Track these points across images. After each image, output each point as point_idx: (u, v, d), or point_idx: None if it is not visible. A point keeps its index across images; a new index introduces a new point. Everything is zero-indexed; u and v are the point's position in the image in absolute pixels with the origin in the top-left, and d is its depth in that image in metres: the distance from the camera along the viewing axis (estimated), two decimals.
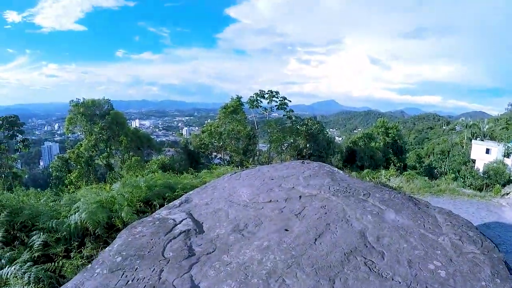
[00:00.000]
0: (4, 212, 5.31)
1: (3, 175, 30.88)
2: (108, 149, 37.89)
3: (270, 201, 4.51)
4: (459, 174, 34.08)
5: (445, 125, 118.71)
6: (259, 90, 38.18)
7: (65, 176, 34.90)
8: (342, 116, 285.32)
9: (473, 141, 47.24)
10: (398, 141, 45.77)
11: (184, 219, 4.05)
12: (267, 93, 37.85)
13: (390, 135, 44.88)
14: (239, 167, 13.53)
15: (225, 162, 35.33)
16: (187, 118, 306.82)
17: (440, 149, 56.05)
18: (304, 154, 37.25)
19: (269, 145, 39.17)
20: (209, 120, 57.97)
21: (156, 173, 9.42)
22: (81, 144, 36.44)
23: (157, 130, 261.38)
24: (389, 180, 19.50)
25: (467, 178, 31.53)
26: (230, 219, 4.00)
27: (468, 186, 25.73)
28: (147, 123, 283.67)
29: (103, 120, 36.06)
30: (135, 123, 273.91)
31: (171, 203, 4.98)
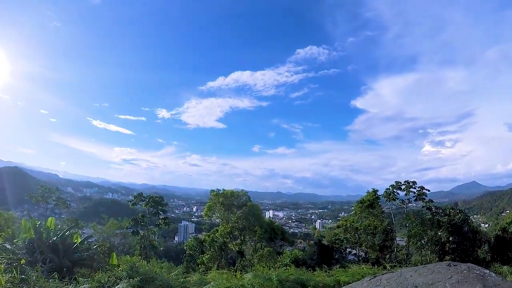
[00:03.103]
0: (138, 277, 5.92)
1: (142, 245, 35.20)
2: (242, 237, 39.16)
3: None
4: None
5: None
6: (395, 181, 36.80)
7: (198, 256, 37.22)
8: (486, 198, 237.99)
9: None
10: None
11: None
12: (403, 184, 36.16)
13: None
14: (375, 266, 12.33)
15: (360, 258, 33.41)
16: (320, 210, 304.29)
17: None
18: (447, 249, 33.88)
19: (407, 240, 35.95)
20: (343, 213, 55.56)
21: (289, 267, 9.12)
22: (217, 230, 39.06)
23: (290, 221, 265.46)
24: None
25: None
26: None
27: None
28: (280, 214, 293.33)
29: (240, 210, 38.23)
30: (269, 214, 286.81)
31: None
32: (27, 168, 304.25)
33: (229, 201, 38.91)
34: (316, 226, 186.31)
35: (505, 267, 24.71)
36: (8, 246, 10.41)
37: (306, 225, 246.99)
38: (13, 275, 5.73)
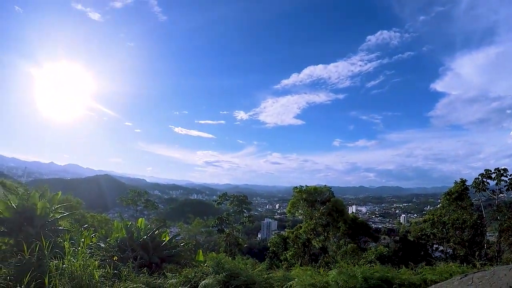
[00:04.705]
0: (223, 273, 6.32)
1: (228, 243, 36.24)
2: (325, 233, 38.56)
3: None
4: None
5: None
6: (484, 170, 33.60)
7: (281, 253, 37.54)
8: None
9: None
10: None
11: None
12: (494, 172, 32.91)
13: None
14: (464, 264, 11.56)
15: (447, 255, 32.16)
16: (404, 204, 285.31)
17: None
18: None
19: (498, 235, 32.36)
20: (428, 207, 50.60)
21: (374, 265, 8.37)
22: (300, 226, 38.74)
23: (373, 216, 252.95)
24: None
25: None
26: None
27: None
28: (363, 209, 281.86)
29: (323, 206, 37.61)
30: (352, 209, 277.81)
31: None
32: (117, 175, 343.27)
33: (312, 197, 38.14)
34: (401, 221, 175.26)
35: None
36: (102, 245, 11.20)
37: (390, 220, 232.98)
38: (106, 270, 6.15)
